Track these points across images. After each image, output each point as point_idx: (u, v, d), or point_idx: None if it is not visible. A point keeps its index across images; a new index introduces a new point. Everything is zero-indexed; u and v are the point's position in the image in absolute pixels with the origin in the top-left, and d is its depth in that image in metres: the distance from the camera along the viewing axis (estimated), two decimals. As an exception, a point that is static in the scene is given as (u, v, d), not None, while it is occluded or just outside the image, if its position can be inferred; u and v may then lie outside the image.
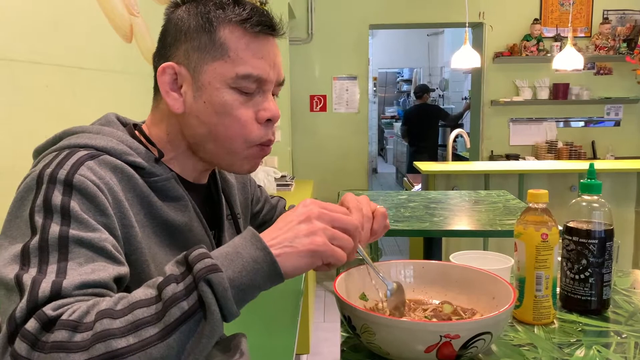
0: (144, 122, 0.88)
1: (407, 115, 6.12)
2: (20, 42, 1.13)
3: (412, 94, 10.73)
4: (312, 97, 4.90)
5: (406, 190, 4.45)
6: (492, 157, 4.91)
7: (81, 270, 0.63)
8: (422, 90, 6.09)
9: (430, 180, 3.38)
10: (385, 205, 2.19)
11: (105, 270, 0.64)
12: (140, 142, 0.83)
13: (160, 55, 0.83)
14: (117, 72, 1.66)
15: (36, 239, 0.64)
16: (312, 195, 3.66)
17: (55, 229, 0.64)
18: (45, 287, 0.59)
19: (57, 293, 0.59)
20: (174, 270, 0.61)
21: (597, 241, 0.98)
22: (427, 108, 5.99)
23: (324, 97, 4.90)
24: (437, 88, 9.71)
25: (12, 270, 0.62)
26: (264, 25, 0.80)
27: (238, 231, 0.98)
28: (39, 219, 0.65)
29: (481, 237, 2.61)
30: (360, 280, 0.93)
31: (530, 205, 0.97)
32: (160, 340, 0.56)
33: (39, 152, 0.81)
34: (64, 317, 0.57)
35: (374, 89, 9.83)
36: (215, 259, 0.61)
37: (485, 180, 3.40)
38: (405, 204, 2.18)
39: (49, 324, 0.57)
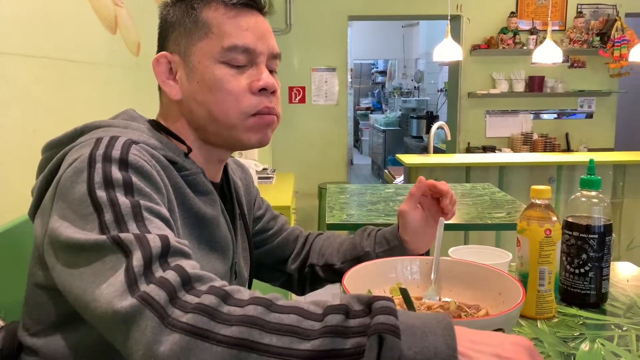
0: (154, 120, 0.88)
1: None
2: (10, 36, 1.09)
3: (387, 85, 10.78)
4: (290, 89, 4.87)
5: (386, 182, 4.47)
6: (468, 149, 4.97)
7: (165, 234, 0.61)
8: None
9: (412, 173, 3.40)
10: (373, 199, 2.20)
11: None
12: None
13: (157, 52, 0.85)
14: (103, 64, 1.61)
15: (109, 214, 0.61)
16: (294, 187, 3.65)
17: (123, 199, 0.63)
18: (153, 238, 0.58)
19: (167, 243, 0.58)
20: (350, 303, 0.55)
21: (597, 236, 0.99)
22: None
23: (303, 88, 4.87)
24: (412, 79, 9.76)
25: (97, 234, 0.60)
26: None
27: (247, 231, 0.97)
28: (102, 194, 0.63)
29: (473, 230, 2.64)
30: (368, 278, 0.93)
31: (533, 201, 0.98)
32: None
33: (53, 146, 0.78)
34: (215, 283, 0.55)
35: (350, 80, 9.84)
36: (400, 322, 0.52)
37: (467, 172, 3.44)
38: (394, 197, 2.19)
39: (189, 281, 0.55)
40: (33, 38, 1.18)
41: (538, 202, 0.97)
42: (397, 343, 0.50)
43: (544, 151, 4.81)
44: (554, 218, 0.96)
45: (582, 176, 1.02)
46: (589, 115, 5.08)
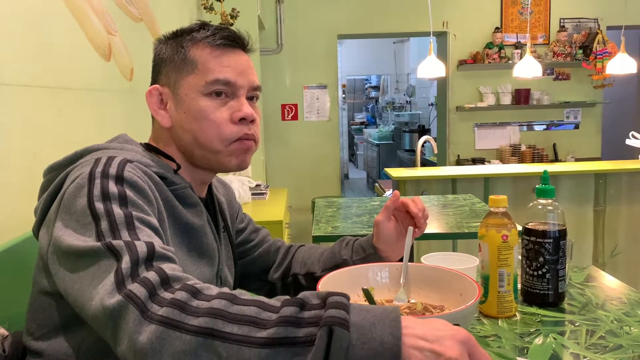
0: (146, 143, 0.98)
1: None
2: (10, 66, 1.18)
3: (380, 100, 10.91)
4: (283, 107, 4.98)
5: (377, 195, 4.56)
6: (458, 162, 5.07)
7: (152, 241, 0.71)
8: None
9: (400, 186, 3.49)
10: (358, 212, 2.29)
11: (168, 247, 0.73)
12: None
13: (151, 84, 0.97)
14: (98, 91, 1.71)
15: (105, 222, 0.71)
16: (287, 203, 3.73)
17: (118, 210, 0.72)
18: (140, 244, 0.67)
19: (152, 249, 0.67)
20: (309, 298, 0.62)
21: (552, 240, 1.08)
22: None
23: (295, 106, 4.99)
24: (404, 94, 9.90)
25: (93, 241, 0.69)
26: (226, 39, 0.94)
27: (231, 242, 1.06)
28: (100, 206, 0.73)
29: (450, 239, 2.72)
30: (341, 284, 1.02)
31: (492, 209, 1.07)
32: (258, 346, 0.57)
33: (55, 168, 0.88)
34: (189, 282, 0.64)
35: (343, 95, 9.97)
36: (350, 315, 0.58)
37: (453, 184, 3.53)
38: (379, 209, 2.28)
39: (167, 280, 0.63)
40: (31, 69, 1.27)
41: (496, 210, 1.06)
42: (346, 334, 0.56)
43: (532, 162, 4.91)
44: (511, 224, 1.05)
45: (537, 186, 1.11)
46: (576, 126, 5.20)
